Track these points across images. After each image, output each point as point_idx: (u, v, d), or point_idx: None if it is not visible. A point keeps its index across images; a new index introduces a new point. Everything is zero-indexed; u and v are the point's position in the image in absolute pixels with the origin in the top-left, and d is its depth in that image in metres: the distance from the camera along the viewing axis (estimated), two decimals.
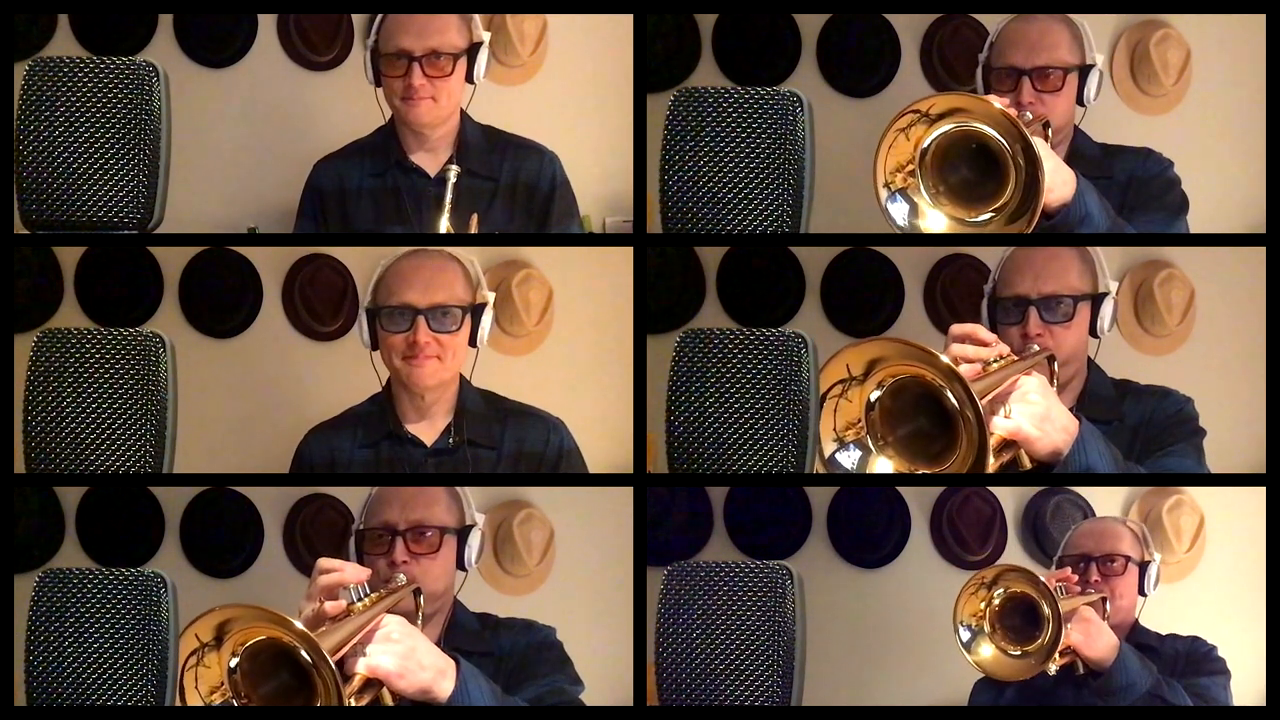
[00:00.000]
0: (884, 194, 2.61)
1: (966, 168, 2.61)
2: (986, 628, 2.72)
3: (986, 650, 2.72)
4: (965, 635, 2.72)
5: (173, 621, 2.38)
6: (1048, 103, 2.81)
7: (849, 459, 2.56)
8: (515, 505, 3.40)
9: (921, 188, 2.60)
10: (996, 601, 2.71)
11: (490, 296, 2.94)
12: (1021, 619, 2.71)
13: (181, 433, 2.56)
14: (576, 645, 2.88)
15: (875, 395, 2.54)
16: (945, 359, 2.50)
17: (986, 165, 2.60)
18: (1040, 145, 2.60)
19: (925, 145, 2.60)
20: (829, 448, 2.54)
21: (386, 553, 2.76)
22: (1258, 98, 3.03)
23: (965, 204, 2.63)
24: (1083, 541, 2.95)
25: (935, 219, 2.62)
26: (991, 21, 2.93)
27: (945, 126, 2.58)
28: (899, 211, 2.62)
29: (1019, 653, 2.70)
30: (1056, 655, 2.68)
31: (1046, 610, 2.66)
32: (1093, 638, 2.73)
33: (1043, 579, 2.69)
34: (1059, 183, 2.64)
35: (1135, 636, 2.92)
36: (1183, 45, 3.43)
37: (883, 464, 2.56)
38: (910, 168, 2.60)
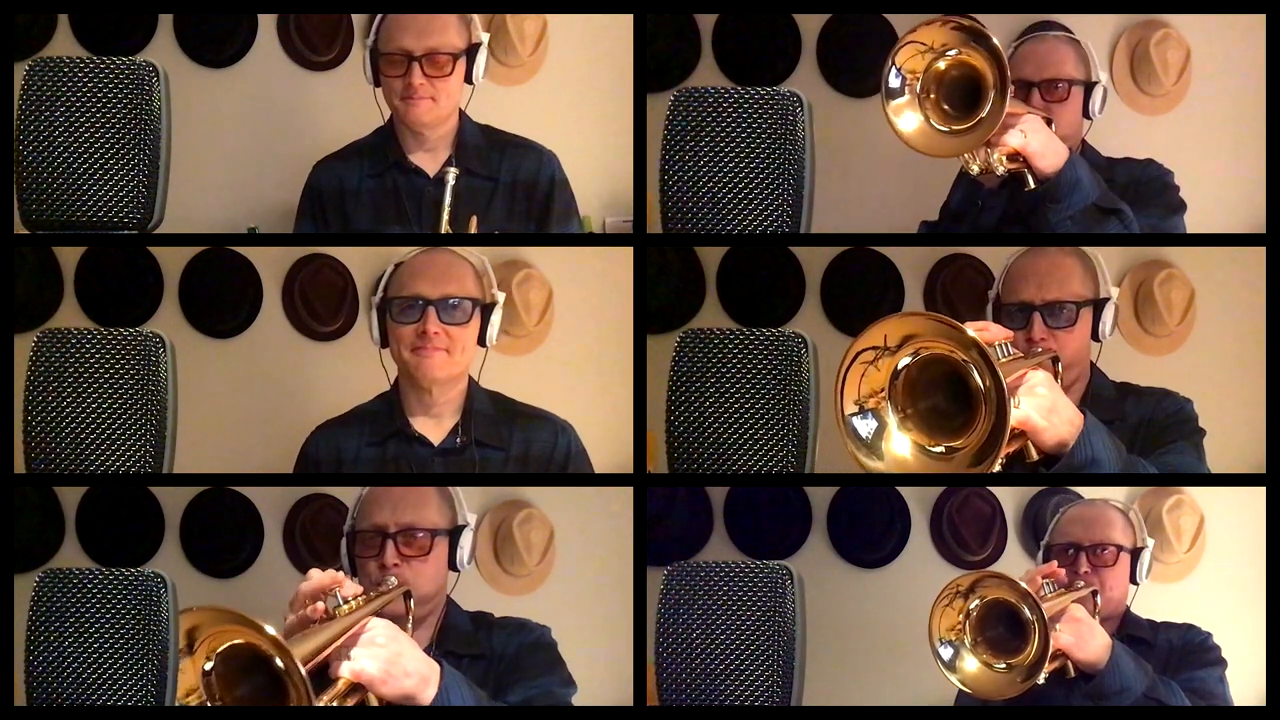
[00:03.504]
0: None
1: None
2: (968, 640, 2.62)
3: (971, 665, 2.62)
4: (947, 653, 2.62)
5: (173, 622, 2.38)
6: (1054, 111, 2.92)
7: (866, 427, 2.52)
8: (515, 505, 3.40)
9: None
10: (974, 611, 2.62)
11: (500, 297, 2.93)
12: (1004, 628, 2.62)
13: (181, 433, 2.56)
14: (576, 645, 2.87)
15: (904, 363, 2.49)
16: (971, 331, 2.48)
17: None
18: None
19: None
20: (849, 409, 2.50)
21: (377, 555, 2.75)
22: (1258, 98, 3.03)
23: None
24: (1071, 529, 2.93)
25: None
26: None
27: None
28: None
29: (1005, 666, 2.61)
30: (1046, 662, 2.58)
31: (1029, 615, 2.57)
32: (1084, 639, 2.68)
33: (1023, 584, 2.60)
34: (1051, 152, 2.77)
35: (1126, 628, 2.90)
36: (1183, 45, 3.43)
37: (900, 439, 2.53)
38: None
